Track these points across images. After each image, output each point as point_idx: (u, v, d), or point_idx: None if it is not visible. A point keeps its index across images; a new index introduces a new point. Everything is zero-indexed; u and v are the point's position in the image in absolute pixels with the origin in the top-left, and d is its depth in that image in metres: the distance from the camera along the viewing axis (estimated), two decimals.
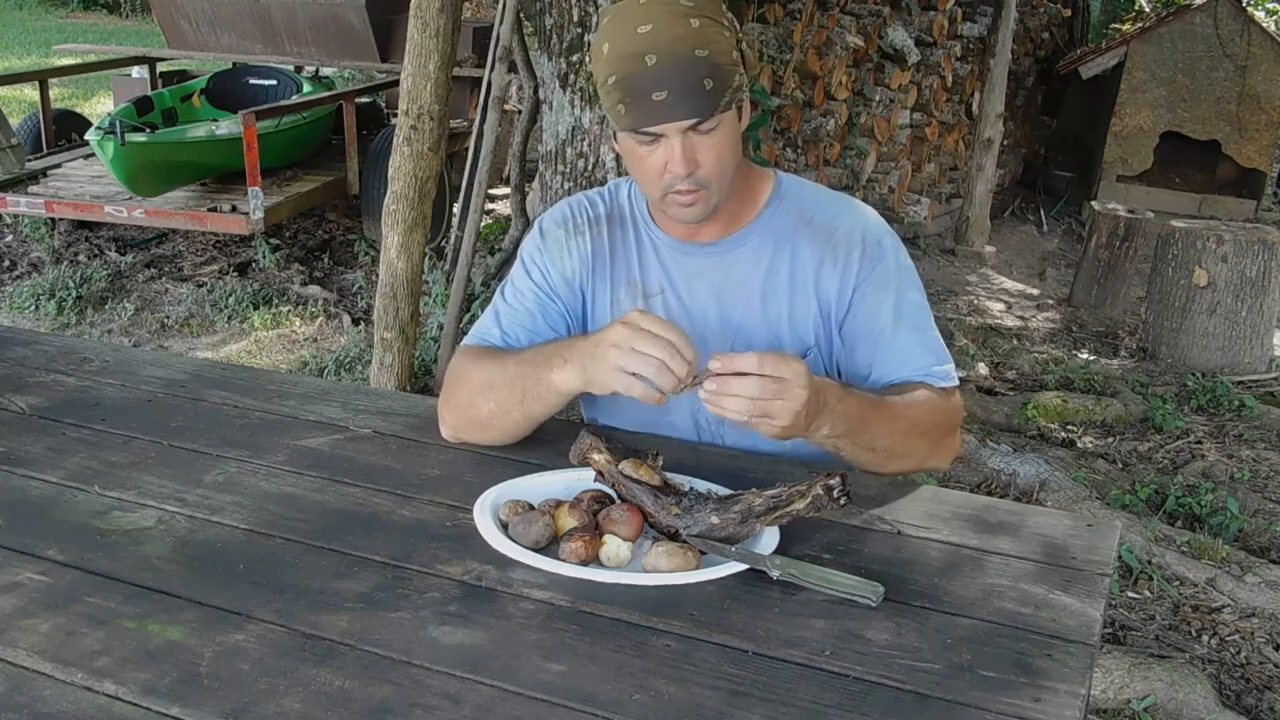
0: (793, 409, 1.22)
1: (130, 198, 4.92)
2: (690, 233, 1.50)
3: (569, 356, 1.35)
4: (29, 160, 5.56)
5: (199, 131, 5.14)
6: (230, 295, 5.10)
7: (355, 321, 4.92)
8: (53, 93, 6.79)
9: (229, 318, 4.94)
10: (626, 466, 1.26)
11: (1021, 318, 5.73)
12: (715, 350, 1.48)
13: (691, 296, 1.51)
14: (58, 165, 5.56)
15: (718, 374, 1.21)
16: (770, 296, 1.49)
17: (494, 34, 4.55)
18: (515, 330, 1.53)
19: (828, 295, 1.47)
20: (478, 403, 1.44)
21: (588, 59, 3.35)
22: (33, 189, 5.19)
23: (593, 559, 1.18)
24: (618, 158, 3.38)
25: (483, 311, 1.61)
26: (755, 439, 1.51)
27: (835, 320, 1.48)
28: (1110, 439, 4.07)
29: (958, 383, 1.51)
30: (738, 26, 1.44)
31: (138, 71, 6.94)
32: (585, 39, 3.35)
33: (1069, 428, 4.15)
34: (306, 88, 6.29)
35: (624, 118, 1.36)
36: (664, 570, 1.16)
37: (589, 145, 3.43)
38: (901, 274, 1.49)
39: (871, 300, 1.46)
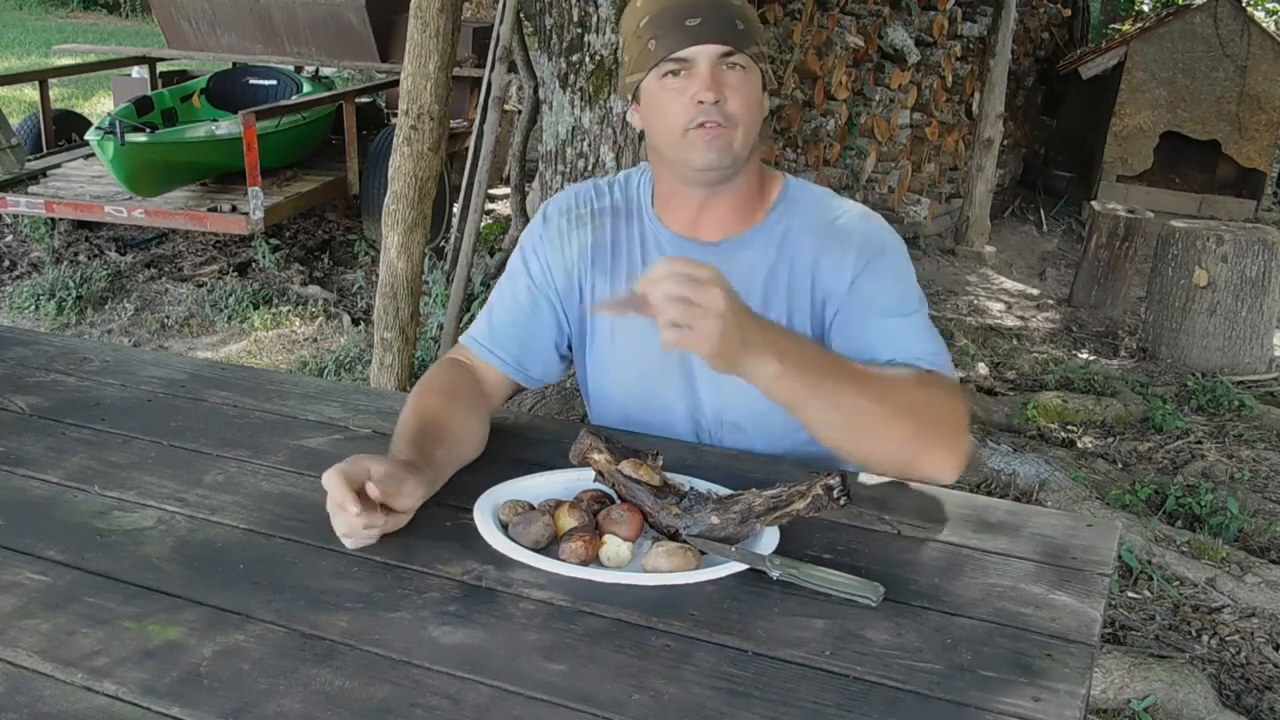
0: (714, 312, 1.13)
1: (130, 198, 4.92)
2: (694, 229, 1.48)
3: None
4: (29, 160, 5.56)
5: (199, 131, 5.14)
6: (230, 295, 5.10)
7: (355, 321, 4.92)
8: (53, 93, 6.79)
9: (229, 318, 4.94)
10: (626, 466, 1.26)
11: (1021, 318, 5.73)
12: None
13: None
14: (58, 165, 5.56)
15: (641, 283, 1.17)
16: (769, 302, 1.46)
17: (494, 34, 4.55)
18: (504, 325, 1.55)
19: (825, 289, 1.45)
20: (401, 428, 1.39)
21: (588, 59, 3.36)
22: (33, 189, 5.19)
23: (593, 559, 1.18)
24: (618, 158, 3.38)
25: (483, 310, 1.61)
26: (753, 439, 1.51)
27: (830, 314, 1.45)
28: (1110, 439, 4.07)
29: (957, 380, 1.43)
30: None
31: (138, 71, 6.94)
32: (585, 39, 3.35)
33: (1069, 428, 4.15)
34: (306, 88, 6.29)
35: (653, 54, 1.37)
36: (664, 570, 1.16)
37: (589, 145, 3.43)
38: (903, 273, 1.45)
39: (867, 290, 1.42)
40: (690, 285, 1.14)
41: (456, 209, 5.07)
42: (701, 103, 1.35)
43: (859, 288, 1.42)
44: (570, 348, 1.60)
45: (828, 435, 1.31)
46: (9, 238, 5.81)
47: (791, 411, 1.28)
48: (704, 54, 1.35)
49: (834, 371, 1.27)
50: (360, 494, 1.16)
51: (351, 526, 1.17)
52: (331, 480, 1.16)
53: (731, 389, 1.48)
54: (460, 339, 1.59)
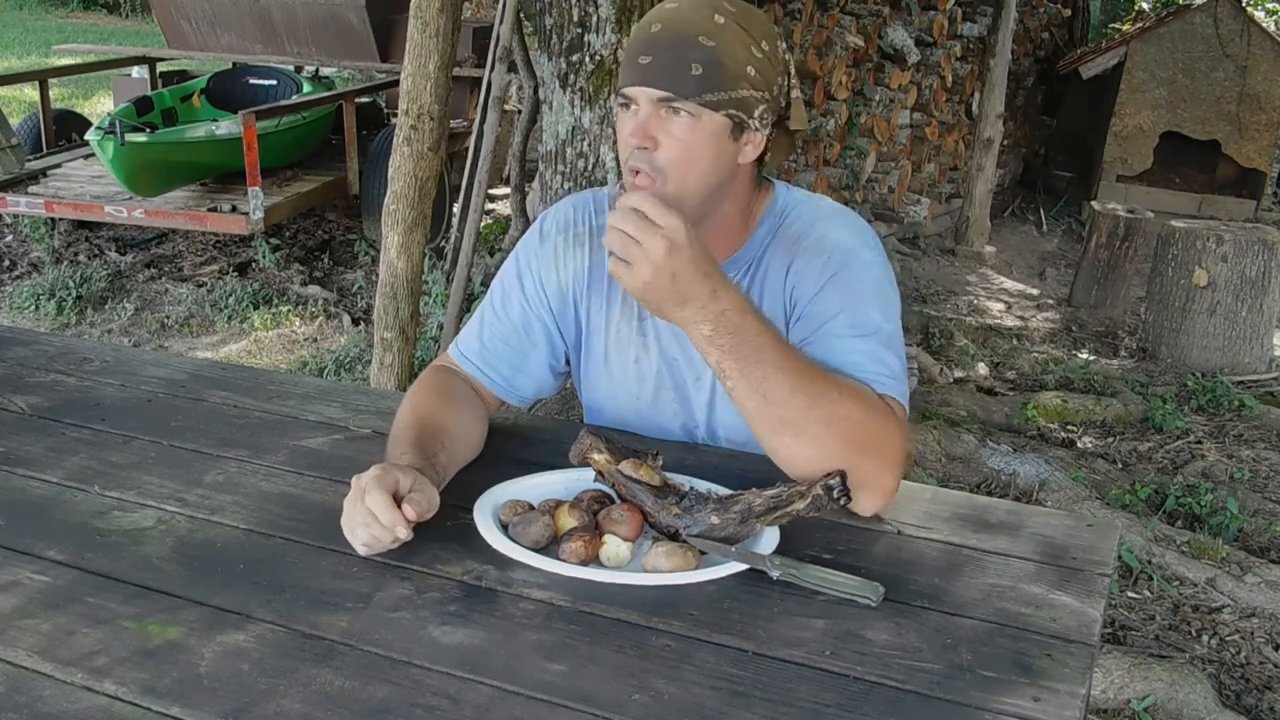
0: (648, 259, 1.14)
1: (130, 198, 4.92)
2: None
3: None
4: (29, 160, 5.56)
5: (199, 131, 5.14)
6: (230, 295, 5.10)
7: (355, 321, 4.92)
8: (53, 93, 6.79)
9: (229, 318, 4.94)
10: (626, 466, 1.26)
11: (1021, 318, 5.72)
12: (703, 374, 1.48)
13: None
14: (58, 165, 5.56)
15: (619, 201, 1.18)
16: None
17: (494, 34, 4.55)
18: (495, 344, 1.51)
19: (794, 300, 1.40)
20: (396, 429, 1.39)
21: (588, 59, 3.36)
22: (33, 189, 5.19)
23: (593, 559, 1.18)
24: (618, 158, 3.38)
25: None
26: (749, 440, 1.51)
27: (794, 322, 1.40)
28: (1110, 439, 4.07)
29: (906, 410, 1.33)
30: (790, 69, 1.37)
31: (138, 71, 6.94)
32: (585, 39, 3.35)
33: (1069, 428, 4.15)
34: (306, 88, 6.29)
35: (618, 82, 1.35)
36: (664, 570, 1.16)
37: (589, 145, 3.43)
38: (870, 291, 1.37)
39: (829, 304, 1.36)
40: (639, 224, 1.15)
41: (456, 209, 5.07)
42: (629, 143, 1.32)
43: (820, 300, 1.37)
44: (568, 361, 1.57)
45: (753, 424, 1.26)
46: (9, 238, 5.81)
47: (720, 380, 1.26)
48: (643, 96, 1.30)
49: (774, 360, 1.22)
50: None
51: (381, 542, 1.17)
52: (379, 502, 1.15)
53: (726, 410, 1.47)
54: (449, 350, 1.56)
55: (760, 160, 1.42)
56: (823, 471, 1.22)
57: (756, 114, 1.34)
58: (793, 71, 1.39)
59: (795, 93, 1.40)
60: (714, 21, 1.30)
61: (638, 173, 1.32)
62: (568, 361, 1.57)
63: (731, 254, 1.44)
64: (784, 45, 1.37)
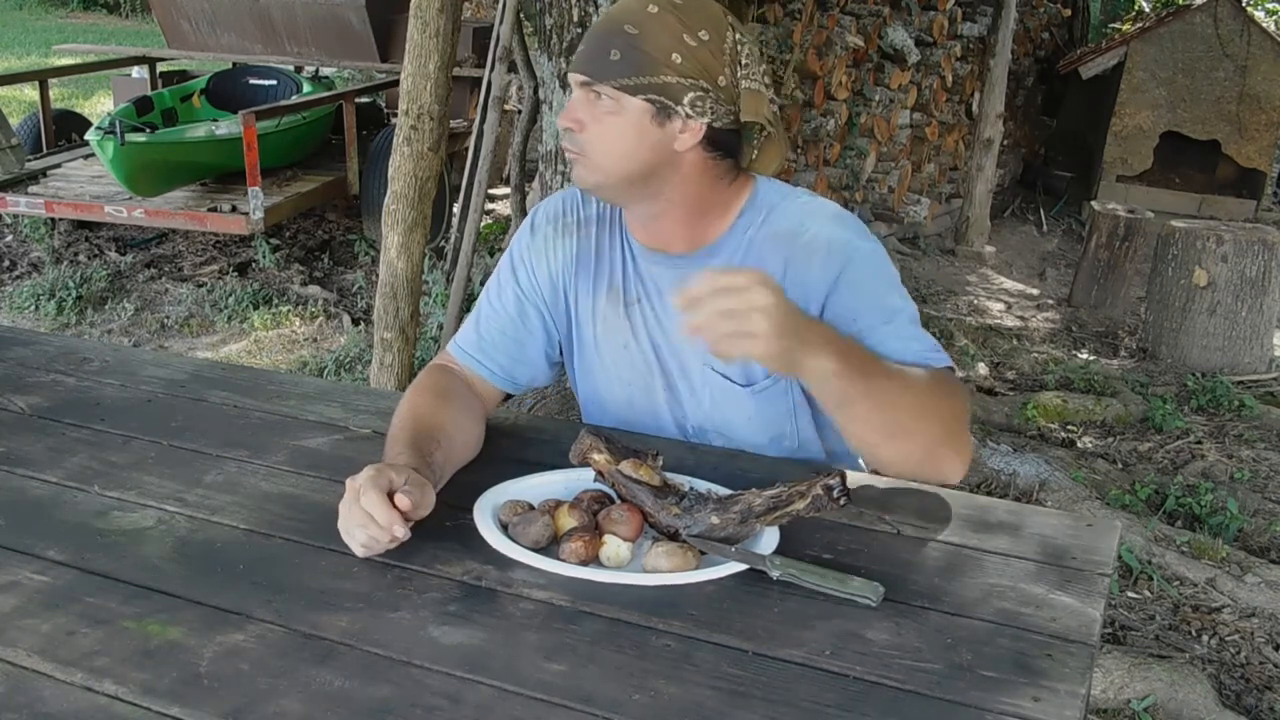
0: (759, 309, 1.11)
1: (130, 198, 4.91)
2: (660, 242, 1.47)
3: None
4: (29, 160, 5.56)
5: (199, 131, 5.14)
6: (230, 295, 5.10)
7: (355, 321, 4.92)
8: (53, 93, 6.79)
9: (229, 318, 4.94)
10: (626, 466, 1.26)
11: (1021, 318, 5.72)
12: (691, 361, 1.48)
13: (664, 308, 1.47)
14: (58, 165, 5.56)
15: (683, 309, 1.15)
16: None
17: (494, 34, 4.56)
18: (492, 334, 1.55)
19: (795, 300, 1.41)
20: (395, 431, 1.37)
21: None
22: (33, 189, 5.18)
23: (593, 559, 1.18)
24: None
25: None
26: (746, 438, 1.51)
27: None
28: (1110, 439, 4.07)
29: (957, 372, 1.41)
30: (740, 60, 1.36)
31: (138, 71, 6.94)
32: None
33: (1069, 428, 4.15)
34: (306, 88, 6.29)
35: None
36: (664, 570, 1.16)
37: None
38: (879, 279, 1.40)
39: (848, 305, 1.37)
40: (730, 294, 1.13)
41: (456, 209, 5.07)
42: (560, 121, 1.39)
43: (836, 304, 1.37)
44: (561, 353, 1.60)
45: (868, 435, 1.29)
46: (9, 238, 5.81)
47: (835, 411, 1.26)
48: (574, 80, 1.37)
49: (881, 370, 1.26)
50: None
51: (380, 542, 1.17)
52: (375, 502, 1.15)
53: (710, 401, 1.48)
54: (447, 347, 1.59)
55: (735, 158, 1.42)
56: (925, 461, 1.30)
57: (686, 100, 1.34)
58: (744, 61, 1.37)
59: (747, 84, 1.37)
60: (645, 11, 1.34)
61: (566, 147, 1.39)
62: (562, 352, 1.59)
63: (702, 244, 1.45)
64: (738, 37, 1.37)
